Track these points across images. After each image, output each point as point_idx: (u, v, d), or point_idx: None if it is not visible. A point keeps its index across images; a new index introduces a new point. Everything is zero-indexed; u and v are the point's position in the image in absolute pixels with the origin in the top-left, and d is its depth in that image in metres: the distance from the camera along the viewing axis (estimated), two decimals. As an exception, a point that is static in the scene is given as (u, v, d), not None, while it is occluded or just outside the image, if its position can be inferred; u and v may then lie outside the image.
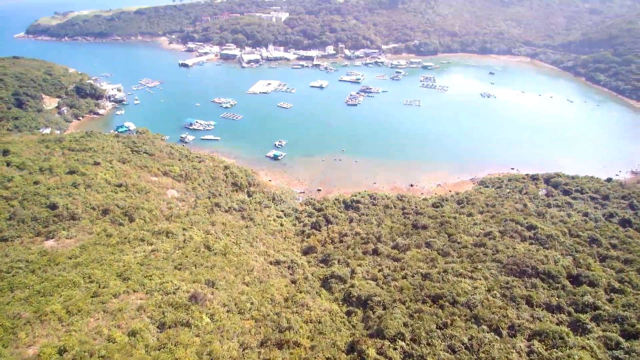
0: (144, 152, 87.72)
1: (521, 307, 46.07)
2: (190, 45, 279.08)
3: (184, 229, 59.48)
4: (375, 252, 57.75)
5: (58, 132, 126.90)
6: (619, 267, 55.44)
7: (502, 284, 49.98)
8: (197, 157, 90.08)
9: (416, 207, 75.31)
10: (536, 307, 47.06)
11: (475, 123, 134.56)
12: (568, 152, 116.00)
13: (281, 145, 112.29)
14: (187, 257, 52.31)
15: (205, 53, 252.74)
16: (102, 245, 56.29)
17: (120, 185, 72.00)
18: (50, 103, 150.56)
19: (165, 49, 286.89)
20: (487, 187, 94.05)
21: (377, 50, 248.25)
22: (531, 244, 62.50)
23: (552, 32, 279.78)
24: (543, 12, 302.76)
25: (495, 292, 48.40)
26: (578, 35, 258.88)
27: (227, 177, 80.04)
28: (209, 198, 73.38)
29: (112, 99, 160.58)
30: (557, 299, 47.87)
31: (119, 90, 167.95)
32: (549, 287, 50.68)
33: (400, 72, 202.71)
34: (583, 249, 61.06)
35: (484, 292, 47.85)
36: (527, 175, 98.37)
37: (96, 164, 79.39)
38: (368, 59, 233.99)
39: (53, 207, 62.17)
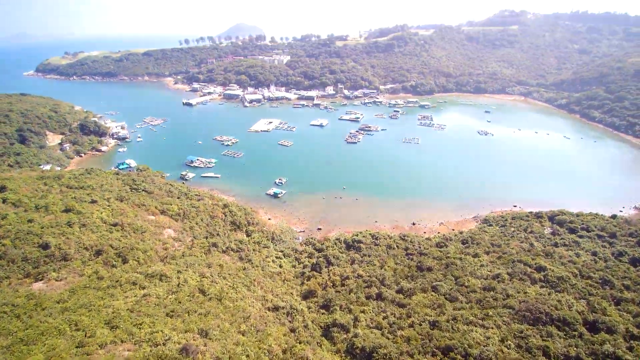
0: (142, 190, 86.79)
1: (538, 359, 42.75)
2: (195, 85, 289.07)
3: (178, 272, 56.91)
4: (379, 296, 54.76)
5: (58, 168, 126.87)
6: (635, 310, 52.64)
7: (516, 332, 46.78)
8: (196, 195, 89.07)
9: (420, 247, 73.00)
10: (553, 358, 43.77)
11: (474, 160, 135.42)
12: (569, 188, 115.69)
13: (281, 182, 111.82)
14: (180, 302, 49.38)
15: (209, 93, 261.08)
16: (92, 288, 53.45)
17: (115, 225, 70.14)
18: (53, 139, 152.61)
19: (170, 88, 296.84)
20: (490, 225, 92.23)
21: (375, 91, 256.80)
22: (542, 287, 59.78)
23: (543, 71, 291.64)
24: (533, 54, 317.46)
25: (509, 342, 45.17)
26: (569, 74, 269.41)
27: (225, 216, 78.42)
28: (207, 238, 71.27)
29: (115, 136, 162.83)
30: (575, 348, 44.67)
31: (122, 127, 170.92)
32: (565, 335, 47.53)
33: (398, 111, 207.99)
34: (596, 292, 58.43)
35: (497, 343, 44.59)
36: (530, 213, 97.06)
37: (93, 202, 78.09)
38: (366, 99, 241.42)
39: (45, 246, 60.14)
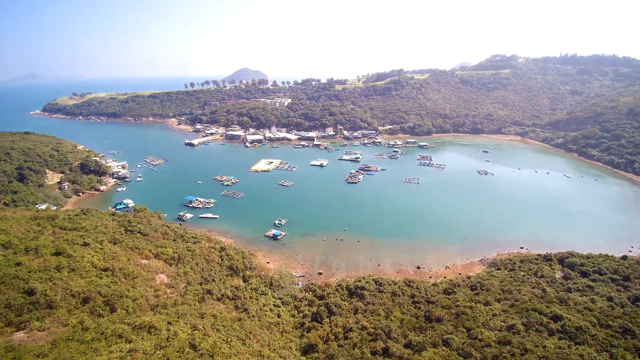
0: (137, 232, 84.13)
1: None
2: (198, 126, 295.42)
3: (168, 323, 52.77)
4: (386, 352, 50.20)
5: (55, 207, 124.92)
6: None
7: (539, 395, 42.12)
8: (192, 237, 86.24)
9: (426, 294, 68.89)
10: None
11: (476, 200, 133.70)
12: (575, 228, 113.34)
13: (281, 224, 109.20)
14: (168, 359, 45.06)
15: (212, 133, 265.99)
16: (76, 341, 49.20)
17: (106, 269, 66.81)
18: (53, 178, 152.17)
19: (173, 129, 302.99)
20: (499, 269, 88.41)
21: (374, 131, 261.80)
22: (560, 338, 55.38)
23: (538, 112, 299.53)
24: (526, 95, 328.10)
25: (532, 407, 40.45)
26: (564, 114, 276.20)
27: (222, 260, 75.05)
28: (201, 284, 67.50)
29: (115, 175, 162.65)
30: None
31: (123, 167, 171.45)
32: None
33: (397, 151, 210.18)
34: (618, 342, 54.00)
35: (520, 408, 39.91)
36: (539, 255, 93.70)
37: (85, 244, 75.24)
38: (366, 140, 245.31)
39: (30, 292, 56.57)
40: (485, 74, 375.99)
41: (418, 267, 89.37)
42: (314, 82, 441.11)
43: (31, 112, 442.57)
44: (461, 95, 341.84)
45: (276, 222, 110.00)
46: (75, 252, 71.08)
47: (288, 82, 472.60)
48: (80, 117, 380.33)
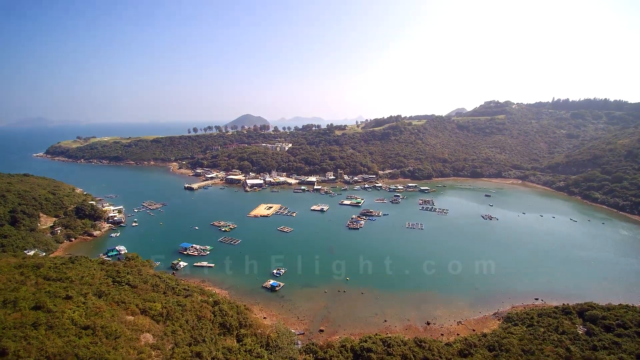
0: (126, 284, 78.49)
1: None
2: (198, 170, 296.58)
3: (150, 395, 46.21)
4: None
5: (43, 254, 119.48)
6: None
7: None
8: (184, 289, 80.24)
9: (440, 357, 61.94)
10: None
11: (483, 247, 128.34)
12: (588, 276, 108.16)
13: (279, 273, 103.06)
14: None
15: (212, 177, 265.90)
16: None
17: (87, 328, 60.54)
18: (46, 222, 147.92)
19: (174, 173, 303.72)
20: (516, 325, 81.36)
21: (374, 176, 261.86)
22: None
23: (536, 155, 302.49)
24: (523, 140, 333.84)
25: None
26: (562, 157, 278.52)
27: (215, 316, 68.70)
28: (190, 345, 60.88)
29: (110, 220, 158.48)
30: None
31: (119, 212, 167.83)
32: None
33: (398, 196, 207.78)
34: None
35: None
36: (556, 308, 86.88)
37: (68, 298, 69.42)
38: (366, 184, 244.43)
39: (2, 353, 50.48)
40: (481, 120, 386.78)
41: (428, 323, 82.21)
42: (314, 128, 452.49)
43: (34, 154, 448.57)
44: (459, 140, 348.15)
45: (275, 271, 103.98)
46: (56, 306, 65.28)
47: (289, 128, 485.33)
48: (82, 160, 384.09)
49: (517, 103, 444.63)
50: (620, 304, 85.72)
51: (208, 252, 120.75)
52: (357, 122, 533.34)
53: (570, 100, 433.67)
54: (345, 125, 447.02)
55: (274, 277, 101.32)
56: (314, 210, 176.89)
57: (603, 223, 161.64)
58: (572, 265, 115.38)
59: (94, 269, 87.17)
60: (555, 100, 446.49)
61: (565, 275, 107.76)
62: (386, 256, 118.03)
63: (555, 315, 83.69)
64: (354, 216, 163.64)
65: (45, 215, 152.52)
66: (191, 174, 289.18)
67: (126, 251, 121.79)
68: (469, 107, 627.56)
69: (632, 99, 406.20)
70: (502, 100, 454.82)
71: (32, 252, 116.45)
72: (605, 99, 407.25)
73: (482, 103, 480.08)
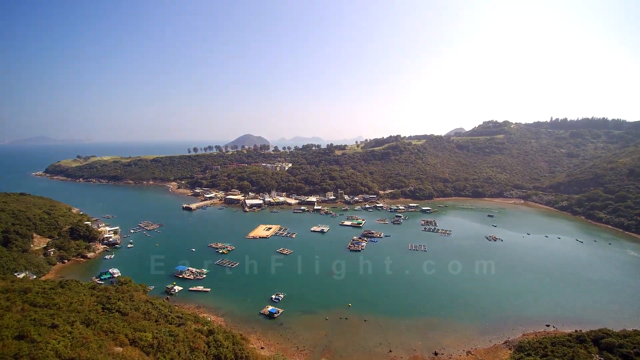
0: (116, 311, 74.34)
1: None
2: (197, 190, 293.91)
3: None
4: None
5: (34, 277, 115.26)
6: None
7: None
8: (178, 316, 75.97)
9: (451, 392, 57.38)
10: None
11: (489, 270, 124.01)
12: (599, 299, 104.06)
13: (278, 299, 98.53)
14: None
15: (210, 197, 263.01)
16: None
17: (71, 361, 56.36)
18: (39, 243, 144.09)
19: (173, 193, 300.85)
20: (529, 355, 76.68)
21: (375, 196, 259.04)
22: None
23: (537, 175, 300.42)
24: (523, 159, 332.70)
25: None
26: (563, 176, 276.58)
27: (209, 347, 64.38)
28: (181, 380, 56.49)
29: (105, 241, 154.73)
30: None
31: (115, 233, 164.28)
32: None
33: (400, 216, 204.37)
34: None
35: None
36: (570, 336, 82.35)
37: (54, 326, 65.23)
38: (367, 204, 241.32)
39: (-22, 388, 46.39)
40: (480, 139, 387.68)
41: (435, 354, 77.43)
42: (314, 148, 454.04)
43: (33, 173, 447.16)
44: (459, 160, 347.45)
45: (273, 297, 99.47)
46: (41, 335, 61.06)
47: (289, 148, 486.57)
48: (81, 179, 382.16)
49: (515, 123, 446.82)
50: (635, 330, 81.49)
51: (204, 276, 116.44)
52: (356, 142, 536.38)
53: (569, 119, 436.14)
54: (345, 145, 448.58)
55: (272, 302, 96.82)
56: (314, 231, 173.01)
57: (610, 243, 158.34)
58: (581, 288, 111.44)
59: (84, 294, 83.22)
60: (553, 119, 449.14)
61: (576, 299, 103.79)
62: (389, 280, 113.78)
63: (569, 343, 79.17)
64: (355, 237, 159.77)
65: (39, 236, 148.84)
66: (190, 194, 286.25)
67: (120, 274, 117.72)
68: (467, 127, 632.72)
69: (630, 118, 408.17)
70: (500, 120, 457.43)
71: (22, 275, 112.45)
72: (604, 118, 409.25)
73: (481, 123, 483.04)
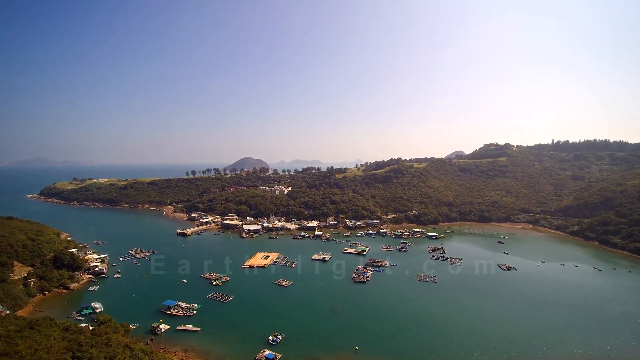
0: (87, 360, 63.87)
1: None
2: (193, 214, 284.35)
3: None
4: None
5: (7, 312, 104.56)
6: None
7: None
8: (159, 366, 65.51)
9: None
10: None
11: (508, 305, 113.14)
12: (628, 336, 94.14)
13: (276, 340, 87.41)
14: None
15: (207, 222, 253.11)
16: None
17: None
18: (20, 272, 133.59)
19: (168, 217, 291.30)
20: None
21: (377, 220, 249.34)
22: None
23: (543, 198, 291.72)
24: (528, 182, 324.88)
25: None
26: (571, 200, 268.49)
27: (192, 410, 54.00)
28: None
29: (90, 271, 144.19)
30: None
31: (102, 261, 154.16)
32: None
33: (406, 243, 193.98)
34: None
35: None
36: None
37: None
38: (370, 229, 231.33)
39: None
40: (483, 162, 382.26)
41: (459, 411, 66.33)
42: (314, 171, 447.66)
43: (27, 195, 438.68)
44: (462, 183, 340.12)
45: (270, 338, 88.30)
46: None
47: (289, 171, 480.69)
48: (75, 202, 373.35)
49: (517, 145, 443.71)
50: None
51: (195, 312, 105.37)
52: (357, 164, 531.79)
53: (571, 141, 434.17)
54: (346, 168, 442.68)
55: (269, 345, 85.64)
56: (315, 259, 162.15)
57: (630, 272, 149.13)
58: (608, 323, 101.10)
59: (55, 338, 72.67)
60: (555, 142, 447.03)
61: (604, 336, 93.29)
62: (399, 317, 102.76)
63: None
64: (359, 267, 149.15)
65: (20, 264, 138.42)
66: (185, 218, 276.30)
67: (102, 309, 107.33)
68: (467, 150, 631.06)
69: (632, 140, 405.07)
70: (501, 143, 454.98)
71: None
72: (606, 140, 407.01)
73: (482, 146, 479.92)
